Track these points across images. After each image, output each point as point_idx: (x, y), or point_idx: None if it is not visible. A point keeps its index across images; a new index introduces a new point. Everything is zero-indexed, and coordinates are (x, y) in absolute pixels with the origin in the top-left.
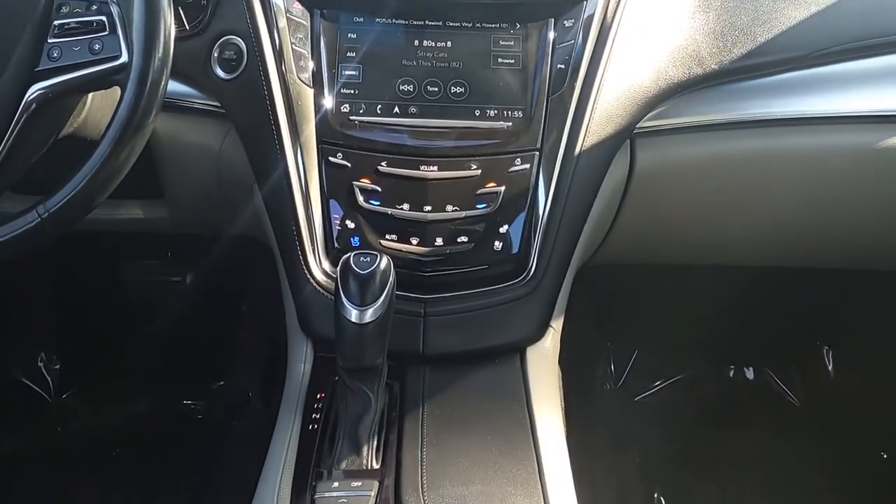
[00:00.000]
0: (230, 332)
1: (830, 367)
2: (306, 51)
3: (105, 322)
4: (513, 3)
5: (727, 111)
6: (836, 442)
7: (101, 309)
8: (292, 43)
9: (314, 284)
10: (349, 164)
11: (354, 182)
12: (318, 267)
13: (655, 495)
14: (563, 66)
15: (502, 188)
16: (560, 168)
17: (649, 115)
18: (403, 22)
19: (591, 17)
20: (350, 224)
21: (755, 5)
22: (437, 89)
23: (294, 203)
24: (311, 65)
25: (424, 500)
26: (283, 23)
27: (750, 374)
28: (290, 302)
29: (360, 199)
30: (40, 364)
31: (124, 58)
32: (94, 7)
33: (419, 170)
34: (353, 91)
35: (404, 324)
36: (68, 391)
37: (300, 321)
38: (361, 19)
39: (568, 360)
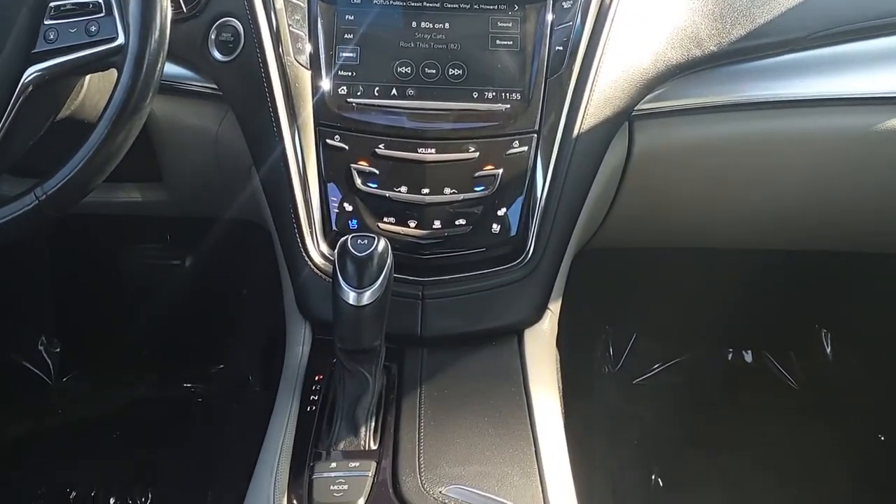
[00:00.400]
0: (229, 315)
1: (829, 351)
2: (303, 32)
3: (105, 306)
4: None
5: (726, 93)
6: (835, 425)
7: (101, 292)
8: (289, 25)
9: (312, 267)
10: (347, 147)
11: (352, 165)
12: (316, 250)
13: (653, 477)
14: (561, 48)
15: (500, 171)
16: (558, 150)
17: (648, 97)
18: (401, 3)
19: None
20: (348, 207)
21: None
22: (434, 71)
23: (292, 186)
24: (308, 47)
25: (422, 481)
26: (280, 4)
27: (748, 357)
28: (288, 285)
29: (358, 181)
30: (41, 348)
31: (121, 40)
32: None
33: (417, 152)
34: (350, 73)
35: (402, 306)
36: (69, 374)
37: (298, 304)
38: (359, 1)
39: (566, 343)
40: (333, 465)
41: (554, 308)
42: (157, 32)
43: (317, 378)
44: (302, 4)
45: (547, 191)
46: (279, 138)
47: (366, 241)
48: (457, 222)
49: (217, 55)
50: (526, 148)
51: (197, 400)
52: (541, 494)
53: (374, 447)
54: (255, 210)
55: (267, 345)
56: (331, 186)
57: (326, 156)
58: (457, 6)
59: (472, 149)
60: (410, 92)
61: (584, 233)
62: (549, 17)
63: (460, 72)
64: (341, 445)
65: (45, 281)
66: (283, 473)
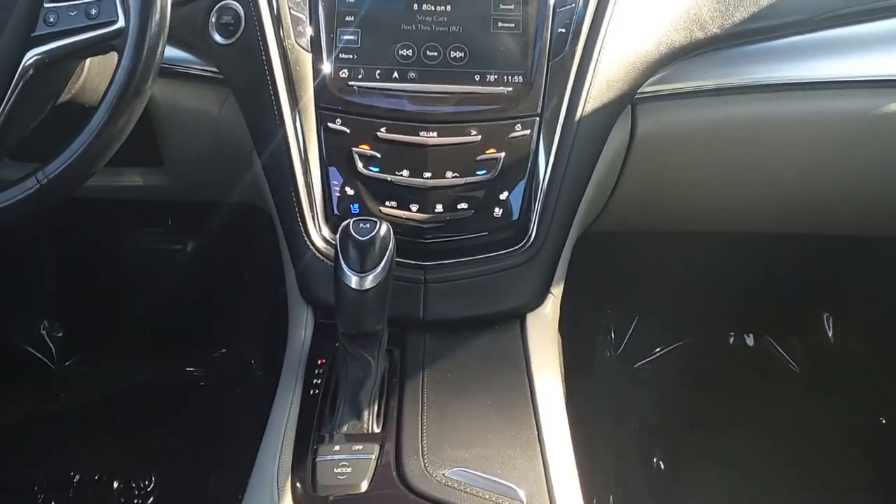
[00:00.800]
0: (231, 299)
1: (830, 334)
2: (304, 15)
3: (107, 290)
4: None
5: (729, 76)
6: (836, 408)
7: (103, 277)
8: (290, 7)
9: (314, 251)
10: (348, 131)
11: (353, 148)
12: (318, 234)
13: (654, 460)
14: (563, 31)
15: (502, 154)
16: (560, 134)
17: (651, 79)
18: None
19: None
20: (349, 191)
21: None
22: (436, 54)
23: (293, 170)
24: (309, 30)
25: (425, 463)
26: None
27: (750, 340)
28: (290, 269)
29: (360, 165)
30: (43, 332)
31: (121, 23)
32: None
33: (418, 136)
34: (351, 56)
35: (404, 290)
36: (71, 359)
37: (300, 288)
38: None
39: (568, 327)
40: (337, 448)
41: (556, 292)
42: (157, 15)
43: (319, 362)
44: None
45: (549, 174)
46: (280, 122)
47: (368, 225)
48: (459, 206)
49: (218, 38)
50: (528, 131)
51: (199, 384)
52: (543, 477)
53: (377, 430)
54: (257, 194)
55: (269, 329)
56: (332, 170)
57: (328, 139)
58: None
59: (474, 132)
60: (412, 75)
61: (586, 216)
62: None
63: (462, 54)
64: (344, 429)
65: (47, 265)
66: (286, 456)
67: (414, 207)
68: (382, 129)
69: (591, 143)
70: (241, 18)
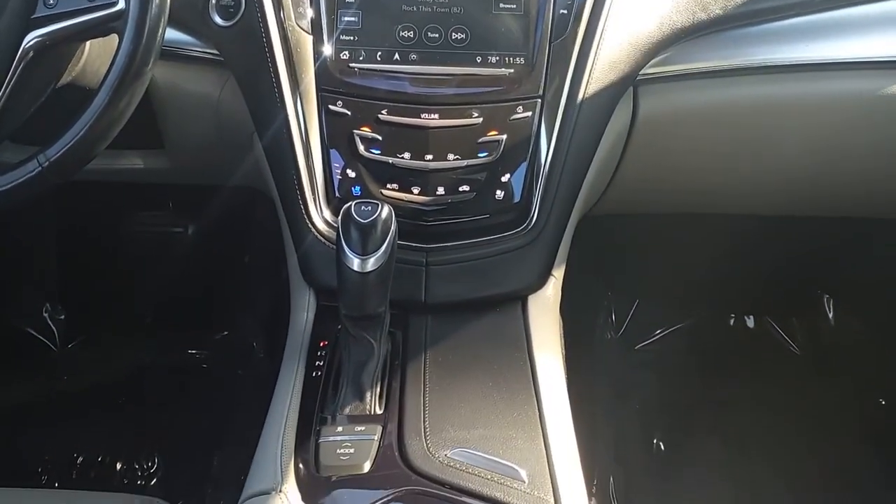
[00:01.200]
0: (233, 282)
1: (831, 316)
2: None
3: (109, 272)
4: None
5: (732, 57)
6: (836, 389)
7: (104, 259)
8: None
9: (316, 234)
10: (349, 113)
11: (355, 131)
12: (320, 216)
13: (655, 441)
14: (565, 12)
15: (504, 136)
16: (562, 116)
17: (653, 61)
18: None
19: None
20: (351, 173)
21: None
22: (437, 35)
23: (294, 152)
24: (309, 11)
25: (427, 444)
26: None
27: (750, 322)
28: (292, 252)
29: (361, 148)
30: (45, 314)
31: (121, 5)
32: None
33: (420, 118)
34: (352, 37)
35: (406, 273)
36: (73, 341)
37: (302, 271)
38: None
39: (569, 309)
40: (339, 429)
41: (557, 274)
42: None
43: (322, 344)
44: None
45: (551, 157)
46: (281, 104)
47: (369, 208)
48: (460, 189)
49: (218, 20)
50: (530, 113)
51: (201, 366)
52: (545, 457)
53: (379, 412)
54: (258, 177)
55: (270, 311)
56: (333, 153)
57: (329, 122)
58: None
59: (476, 114)
60: (413, 57)
61: (587, 199)
62: None
63: (463, 36)
64: (347, 410)
65: (49, 248)
66: (289, 438)
67: (415, 190)
68: (384, 112)
69: (593, 124)
70: (241, 0)
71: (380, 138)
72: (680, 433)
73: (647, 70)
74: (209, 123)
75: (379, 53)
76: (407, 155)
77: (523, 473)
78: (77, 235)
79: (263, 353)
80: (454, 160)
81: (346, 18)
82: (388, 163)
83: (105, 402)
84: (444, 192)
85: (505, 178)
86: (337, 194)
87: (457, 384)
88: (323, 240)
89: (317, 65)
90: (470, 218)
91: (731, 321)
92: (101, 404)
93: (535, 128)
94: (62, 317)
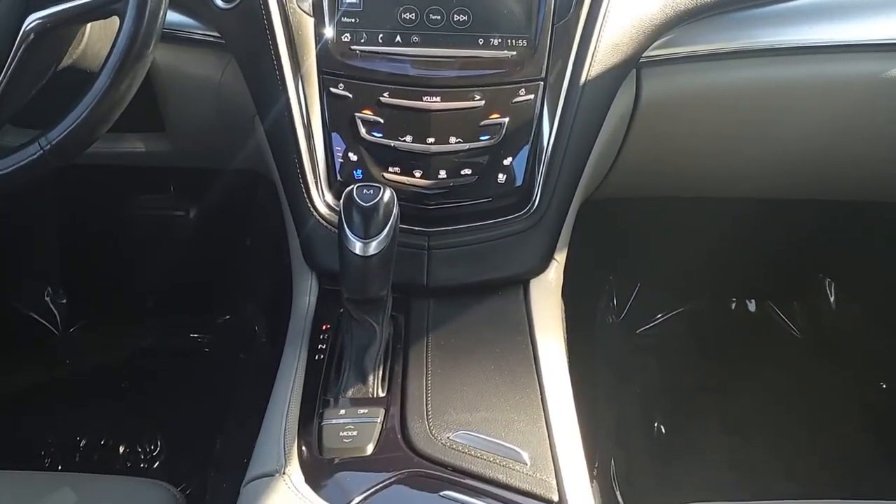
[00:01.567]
0: (235, 266)
1: (832, 300)
2: None
3: (111, 256)
4: None
5: (735, 39)
6: (837, 373)
7: (106, 243)
8: None
9: (317, 217)
10: (351, 95)
11: (356, 114)
12: (322, 200)
13: (656, 424)
14: None
15: (506, 119)
16: (565, 98)
17: (656, 43)
18: None
19: None
20: (353, 156)
21: None
22: (439, 17)
23: (296, 135)
24: None
25: (430, 427)
26: None
27: (752, 306)
28: (293, 235)
29: (363, 131)
30: (47, 298)
31: None
32: None
33: (422, 101)
34: (354, 20)
35: (408, 257)
36: (75, 325)
37: (304, 254)
38: None
39: (571, 293)
40: (342, 412)
41: (559, 258)
42: None
43: (324, 328)
44: None
45: (553, 140)
46: (282, 87)
47: (371, 191)
48: (462, 172)
49: (219, 2)
50: (532, 96)
51: (203, 350)
52: (547, 439)
53: (381, 395)
54: (259, 160)
55: (273, 295)
56: (335, 136)
57: (330, 104)
58: None
59: (478, 97)
60: (415, 39)
61: (590, 182)
62: None
63: (465, 18)
64: (349, 393)
65: (51, 232)
66: (292, 421)
67: (417, 173)
68: (385, 94)
69: (596, 107)
70: None
71: (381, 121)
72: (681, 416)
73: (651, 52)
74: (210, 106)
75: (380, 35)
76: (409, 138)
77: (525, 456)
78: (78, 219)
79: (265, 337)
80: (456, 143)
81: (348, 0)
82: (390, 146)
83: (107, 386)
84: (445, 176)
85: (507, 162)
86: (339, 178)
87: (459, 367)
88: (325, 223)
89: (318, 47)
90: (472, 201)
91: (733, 305)
92: (103, 388)
93: (537, 111)
94: (64, 301)
